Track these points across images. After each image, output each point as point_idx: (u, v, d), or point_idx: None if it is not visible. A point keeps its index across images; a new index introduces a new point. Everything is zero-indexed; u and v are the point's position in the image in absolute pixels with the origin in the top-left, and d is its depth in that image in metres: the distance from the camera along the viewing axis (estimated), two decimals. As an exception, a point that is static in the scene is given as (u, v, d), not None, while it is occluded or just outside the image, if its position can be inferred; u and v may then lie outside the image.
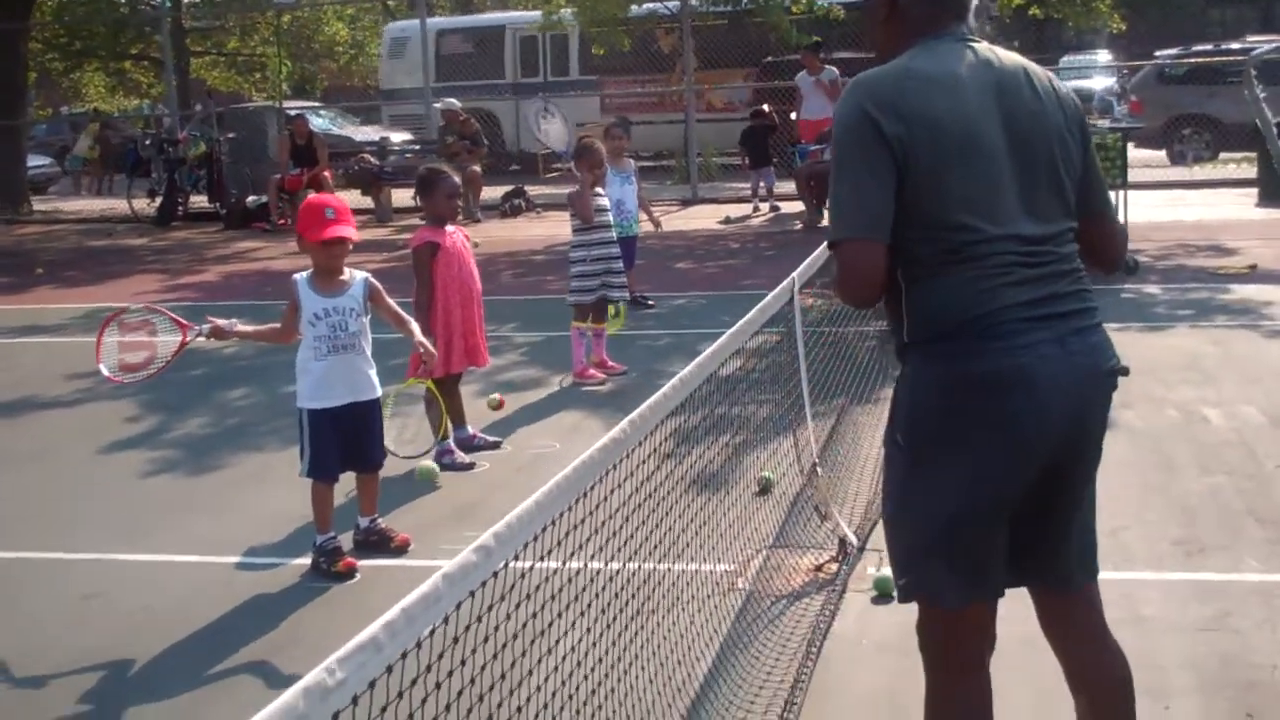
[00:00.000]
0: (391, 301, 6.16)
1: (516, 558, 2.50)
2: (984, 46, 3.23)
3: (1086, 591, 3.38)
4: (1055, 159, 3.19)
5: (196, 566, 6.11)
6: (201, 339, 5.93)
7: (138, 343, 6.10)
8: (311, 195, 6.45)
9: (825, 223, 16.57)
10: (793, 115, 19.95)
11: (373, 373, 6.05)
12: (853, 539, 5.81)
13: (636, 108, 25.46)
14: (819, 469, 6.11)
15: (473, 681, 2.58)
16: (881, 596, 5.31)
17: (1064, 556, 3.31)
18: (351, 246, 5.96)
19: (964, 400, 3.05)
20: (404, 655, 2.02)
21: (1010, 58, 3.25)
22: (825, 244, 3.27)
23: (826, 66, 18.75)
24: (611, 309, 9.59)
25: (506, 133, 27.65)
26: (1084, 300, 3.17)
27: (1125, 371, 3.23)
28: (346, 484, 6.15)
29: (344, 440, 5.96)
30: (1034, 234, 3.10)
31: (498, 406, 7.98)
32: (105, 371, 5.99)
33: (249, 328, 6.09)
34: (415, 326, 6.24)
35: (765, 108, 19.81)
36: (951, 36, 3.21)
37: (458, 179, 7.78)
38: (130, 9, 33.82)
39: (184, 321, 5.99)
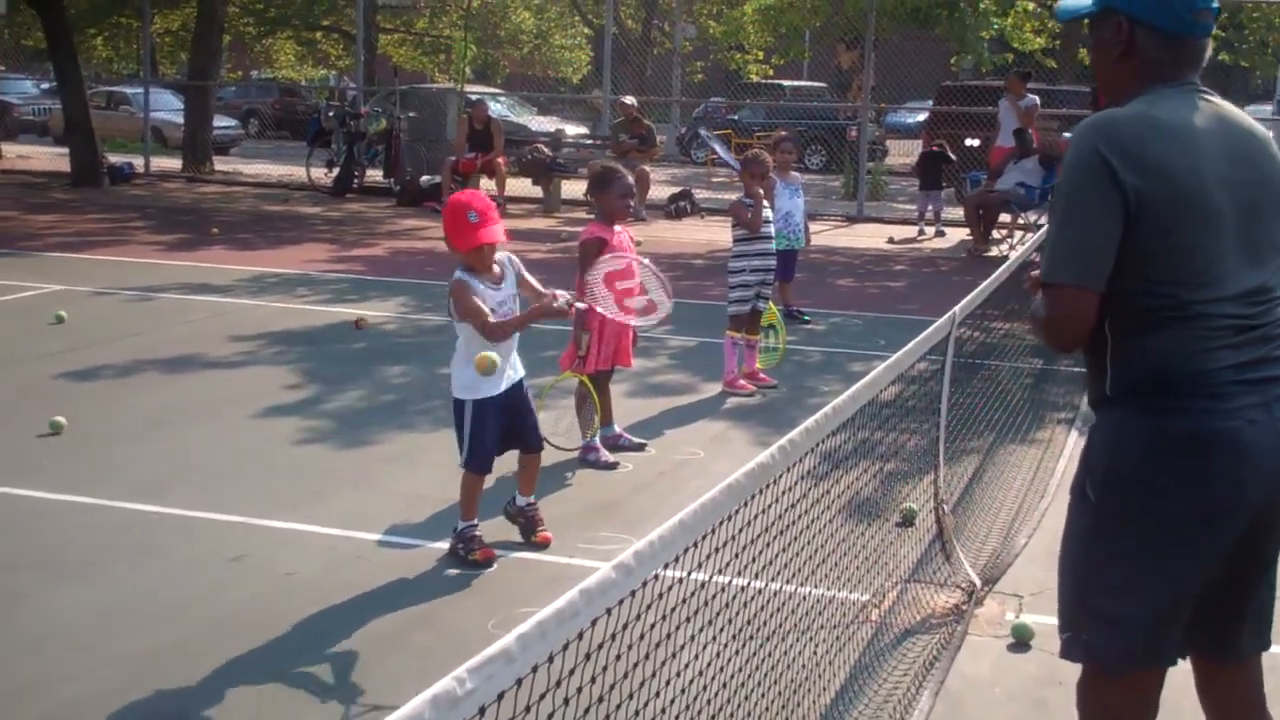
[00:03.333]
0: (531, 278, 6.13)
1: (656, 577, 2.49)
2: (1218, 101, 3.18)
3: (1253, 662, 3.32)
4: (1275, 222, 3.14)
5: (339, 539, 6.23)
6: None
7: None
8: (454, 195, 6.39)
9: (992, 252, 16.34)
10: (968, 142, 19.70)
11: (517, 356, 6.15)
12: (976, 580, 5.72)
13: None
14: (945, 507, 6.03)
15: (601, 700, 2.59)
16: (1018, 644, 5.22)
17: (1240, 625, 3.25)
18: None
19: (1166, 460, 3.01)
20: (534, 669, 2.02)
21: (1239, 115, 3.20)
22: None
23: (1028, 94, 18.39)
24: (771, 338, 9.57)
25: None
26: None
27: None
28: (497, 467, 6.20)
29: (506, 425, 6.02)
30: (1254, 298, 3.06)
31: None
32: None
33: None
34: (556, 296, 6.07)
35: (943, 143, 19.56)
36: (1188, 87, 3.16)
37: (631, 179, 7.81)
38: (326, -19, 34.60)
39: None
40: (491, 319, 5.81)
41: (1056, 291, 3.05)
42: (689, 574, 2.81)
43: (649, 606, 2.72)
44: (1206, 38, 3.21)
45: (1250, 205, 3.09)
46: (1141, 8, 3.17)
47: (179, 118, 27.98)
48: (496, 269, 6.02)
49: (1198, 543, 3.04)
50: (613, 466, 7.43)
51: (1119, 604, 3.09)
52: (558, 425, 7.42)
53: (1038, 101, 18.18)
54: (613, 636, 2.51)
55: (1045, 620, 5.32)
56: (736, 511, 2.96)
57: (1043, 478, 7.30)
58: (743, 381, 9.25)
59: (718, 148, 13.01)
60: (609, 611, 2.29)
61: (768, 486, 3.15)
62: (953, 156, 19.41)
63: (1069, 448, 7.96)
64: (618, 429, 7.81)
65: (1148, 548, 3.04)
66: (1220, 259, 3.02)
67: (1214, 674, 3.32)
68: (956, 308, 5.81)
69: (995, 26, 22.66)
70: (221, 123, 30.53)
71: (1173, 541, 3.03)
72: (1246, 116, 3.23)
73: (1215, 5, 3.19)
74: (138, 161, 24.69)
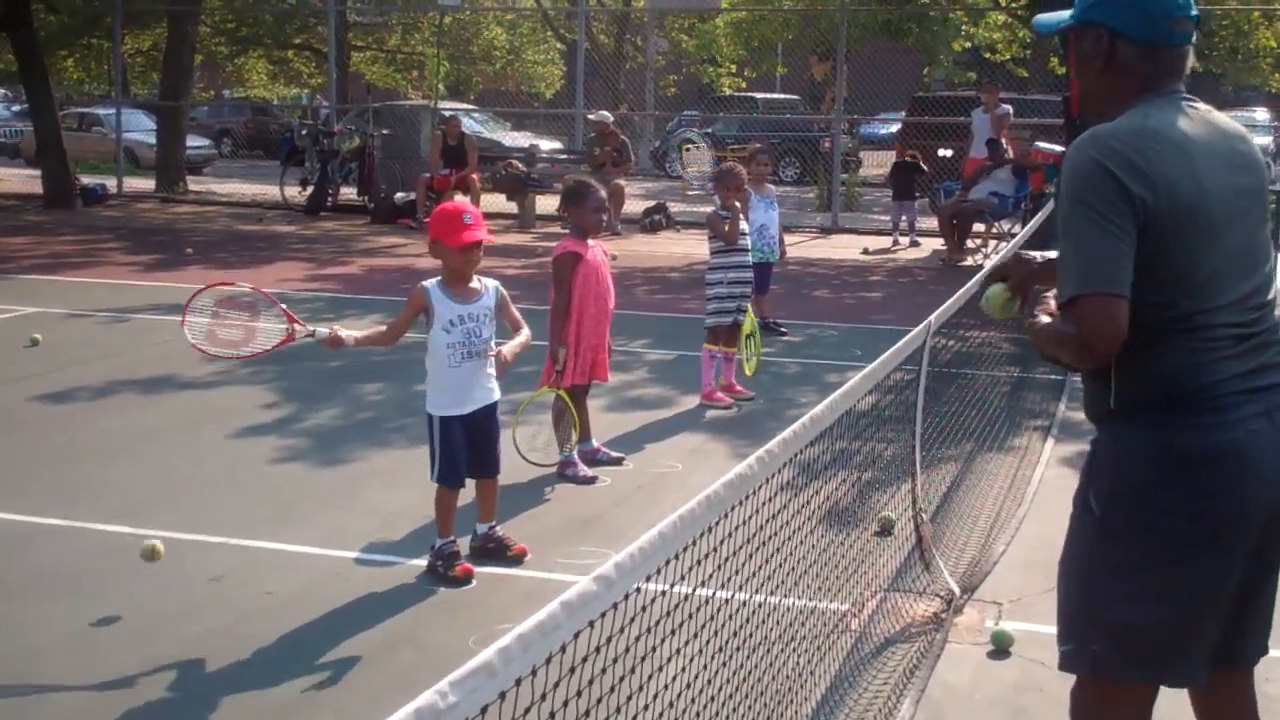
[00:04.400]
0: (515, 311, 6.23)
1: (637, 589, 2.49)
2: (1204, 109, 3.19)
3: (1251, 671, 3.34)
4: (1265, 229, 3.18)
5: (318, 558, 6.21)
6: (310, 339, 5.95)
7: (236, 321, 6.08)
8: (444, 203, 6.51)
9: (967, 261, 16.40)
10: (940, 152, 19.77)
11: (494, 378, 6.12)
12: (955, 588, 5.74)
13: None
14: (923, 515, 6.05)
15: (586, 714, 2.58)
16: (998, 651, 5.23)
17: (1246, 632, 3.26)
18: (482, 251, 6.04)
19: (1173, 476, 3.01)
20: (518, 682, 2.02)
21: (1228, 124, 3.21)
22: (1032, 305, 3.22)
23: (1001, 103, 18.52)
24: (750, 348, 9.57)
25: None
26: None
27: None
28: (468, 489, 6.20)
29: (470, 445, 6.02)
30: (1249, 305, 3.07)
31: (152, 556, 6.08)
32: (188, 336, 6.02)
33: (361, 334, 6.17)
34: (527, 333, 6.24)
35: (916, 154, 19.68)
36: (1175, 96, 3.16)
37: (604, 193, 7.82)
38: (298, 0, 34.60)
39: (296, 319, 6.02)
40: (381, 332, 6.20)
41: (1086, 303, 2.97)
42: (671, 586, 2.81)
43: (632, 619, 2.72)
44: (1187, 45, 3.21)
45: (1243, 211, 3.11)
46: (1120, 20, 3.17)
47: (152, 138, 27.89)
48: (475, 285, 6.03)
49: (1206, 556, 3.03)
50: (591, 481, 7.43)
51: (1129, 616, 3.08)
52: (535, 441, 7.41)
53: (1010, 111, 18.29)
54: (596, 650, 2.51)
55: (1024, 627, 5.35)
56: (716, 523, 2.96)
57: (1020, 485, 7.33)
58: (720, 394, 9.26)
59: (696, 168, 13.12)
60: (591, 624, 2.28)
61: (747, 498, 3.14)
62: (925, 167, 19.50)
63: (1045, 455, 7.99)
64: (596, 443, 7.81)
65: (1155, 561, 3.04)
66: (1220, 269, 3.03)
67: (1216, 681, 3.30)
68: (931, 317, 5.83)
69: (966, 35, 22.77)
70: (194, 142, 30.44)
71: (1181, 555, 3.03)
72: (1232, 121, 3.24)
73: (1195, 13, 3.19)
74: (110, 182, 24.63)
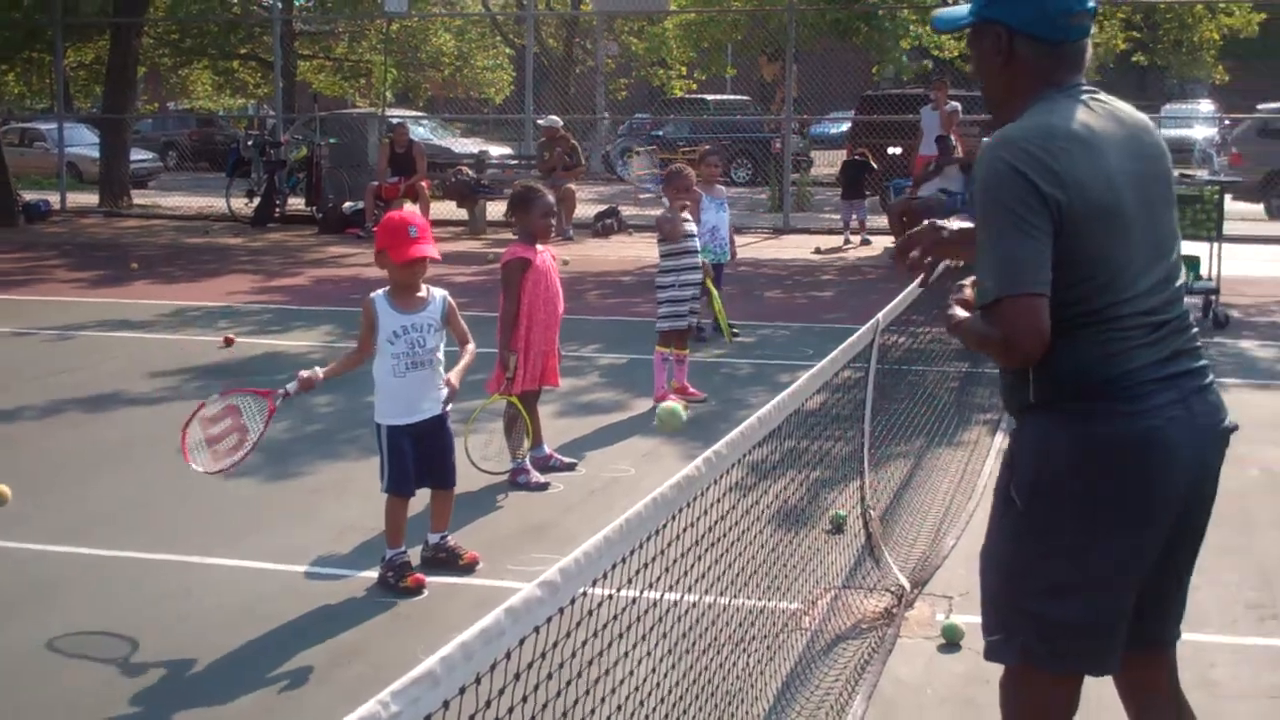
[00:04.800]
0: (462, 322, 6.21)
1: (584, 594, 2.49)
2: (1105, 99, 3.20)
3: (1171, 651, 3.37)
4: (1172, 217, 3.20)
5: (269, 573, 6.17)
6: (289, 397, 5.91)
7: (225, 430, 5.92)
8: (392, 212, 6.46)
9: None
10: (890, 150, 19.84)
11: (444, 388, 6.09)
12: (905, 583, 5.76)
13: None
14: (871, 512, 6.08)
15: (533, 719, 2.58)
16: (949, 645, 5.26)
17: (1168, 615, 3.30)
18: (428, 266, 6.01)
19: (1093, 465, 3.03)
20: (461, 690, 2.01)
21: (1131, 114, 3.22)
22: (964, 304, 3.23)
23: (950, 100, 18.63)
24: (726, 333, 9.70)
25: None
26: (1200, 357, 3.17)
27: (1235, 429, 3.21)
28: (419, 498, 6.17)
29: (421, 456, 5.99)
30: (1160, 292, 3.09)
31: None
32: (199, 469, 5.83)
33: (331, 365, 6.10)
34: (472, 348, 6.24)
35: (865, 152, 19.77)
36: (1077, 89, 3.17)
37: (552, 197, 7.81)
38: (242, 9, 34.36)
39: (265, 391, 5.95)
40: (350, 355, 6.18)
41: (1008, 305, 2.98)
42: (618, 590, 2.80)
43: (578, 624, 2.72)
44: (1086, 39, 3.23)
45: (1151, 200, 3.13)
46: (1018, 17, 3.18)
47: (95, 152, 27.57)
48: (422, 294, 6.00)
49: (1128, 544, 3.07)
50: (543, 487, 7.41)
51: (1053, 610, 3.11)
52: (487, 449, 7.39)
53: (959, 107, 18.40)
54: (542, 655, 2.50)
55: (974, 620, 5.32)
56: (664, 525, 2.96)
57: (969, 479, 7.37)
58: (673, 397, 9.26)
59: (645, 170, 13.20)
60: (537, 630, 2.27)
61: (695, 499, 3.15)
62: (875, 165, 19.58)
63: (994, 449, 8.03)
64: (548, 449, 7.80)
65: (1078, 552, 3.07)
66: (1131, 260, 3.05)
67: (1135, 661, 3.33)
68: (879, 314, 5.86)
69: (914, 34, 22.89)
70: (139, 156, 30.15)
71: (1102, 545, 3.06)
72: (1134, 110, 3.26)
73: (1091, 5, 3.21)
74: (54, 198, 24.36)
